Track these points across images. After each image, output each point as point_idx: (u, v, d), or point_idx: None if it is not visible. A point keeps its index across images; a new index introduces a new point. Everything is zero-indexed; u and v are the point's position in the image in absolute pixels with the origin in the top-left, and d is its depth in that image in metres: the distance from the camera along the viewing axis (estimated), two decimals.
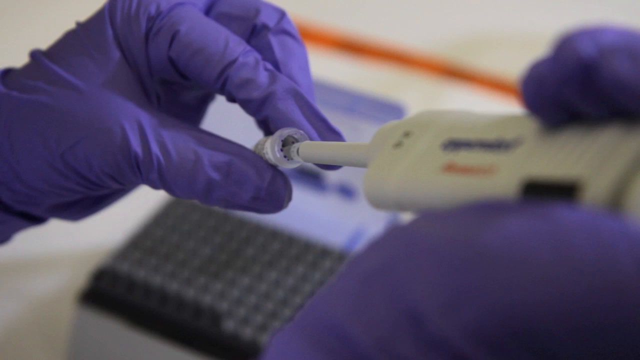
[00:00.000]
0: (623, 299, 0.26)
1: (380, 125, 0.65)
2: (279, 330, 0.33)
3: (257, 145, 0.45)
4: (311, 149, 0.42)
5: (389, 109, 0.66)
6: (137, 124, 0.43)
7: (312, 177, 0.70)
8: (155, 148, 0.43)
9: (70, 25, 0.47)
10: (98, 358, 0.69)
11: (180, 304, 0.66)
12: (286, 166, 0.43)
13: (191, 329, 0.65)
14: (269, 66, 0.45)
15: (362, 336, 0.30)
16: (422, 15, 1.03)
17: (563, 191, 0.30)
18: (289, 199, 0.44)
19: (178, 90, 0.48)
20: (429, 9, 1.04)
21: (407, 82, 0.95)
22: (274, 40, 0.45)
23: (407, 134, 0.37)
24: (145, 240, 0.70)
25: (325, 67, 0.92)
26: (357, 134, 0.66)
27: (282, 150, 0.43)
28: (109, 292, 0.67)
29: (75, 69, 0.44)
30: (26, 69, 0.46)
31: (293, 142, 0.43)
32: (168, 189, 0.44)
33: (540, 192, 0.31)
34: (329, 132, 0.44)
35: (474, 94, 0.94)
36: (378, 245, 0.32)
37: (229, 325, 0.65)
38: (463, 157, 0.34)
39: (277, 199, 0.44)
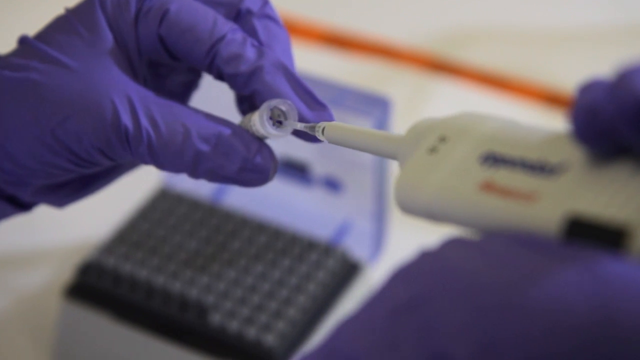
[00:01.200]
0: None
1: (367, 118, 0.66)
2: (302, 355, 0.32)
3: (243, 120, 0.46)
4: (338, 132, 0.43)
5: (375, 102, 0.66)
6: (126, 98, 0.44)
7: (298, 171, 0.70)
8: (144, 121, 0.44)
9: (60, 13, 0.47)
10: (84, 351, 0.68)
11: (166, 297, 0.66)
12: (274, 135, 0.44)
13: (177, 322, 0.65)
14: (256, 43, 0.46)
15: None
16: (409, 9, 1.03)
17: (609, 235, 0.29)
18: (275, 171, 0.45)
19: (165, 74, 0.49)
20: (415, 2, 1.04)
21: (393, 75, 0.95)
22: (258, 24, 0.46)
23: (443, 139, 0.36)
24: (132, 234, 0.70)
25: (311, 61, 0.92)
26: None
27: (270, 119, 0.44)
28: (95, 285, 0.67)
29: (65, 49, 0.45)
30: (16, 51, 0.46)
31: (279, 114, 0.44)
32: (157, 162, 0.45)
33: (585, 232, 0.29)
34: (317, 105, 0.45)
35: (460, 88, 0.94)
36: (408, 274, 0.31)
37: (215, 318, 0.65)
38: (503, 177, 0.33)
39: (263, 171, 0.45)
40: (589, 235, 0.29)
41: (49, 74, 0.45)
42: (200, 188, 0.73)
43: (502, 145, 0.34)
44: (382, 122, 0.66)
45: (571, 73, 0.96)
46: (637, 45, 1.00)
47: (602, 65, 0.98)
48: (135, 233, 0.70)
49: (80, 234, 0.78)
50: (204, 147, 0.44)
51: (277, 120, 0.45)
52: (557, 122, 0.91)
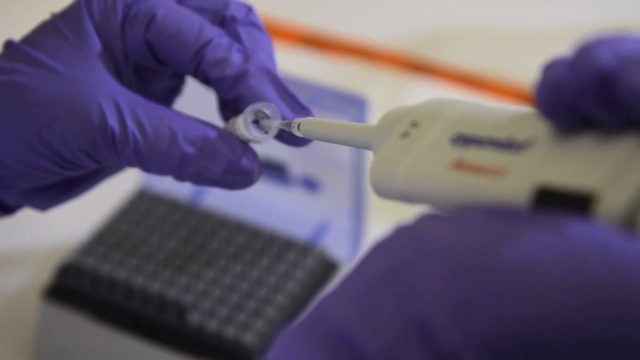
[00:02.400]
0: (629, 316, 0.27)
1: (344, 118, 0.66)
2: (286, 329, 0.33)
3: (227, 124, 0.46)
4: (313, 126, 0.44)
5: (352, 102, 0.66)
6: (113, 101, 0.45)
7: (276, 170, 0.71)
8: (131, 124, 0.45)
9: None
10: (64, 353, 0.69)
11: (145, 297, 0.66)
12: (258, 139, 0.45)
13: (156, 322, 0.65)
14: (242, 48, 0.46)
15: (369, 343, 0.30)
16: (386, 10, 1.04)
17: (576, 202, 0.30)
18: (260, 173, 0.46)
19: (149, 79, 0.49)
20: (392, 3, 1.05)
21: (371, 76, 0.96)
22: (242, 31, 0.47)
23: (414, 124, 0.37)
24: (110, 235, 0.70)
25: (289, 62, 0.93)
26: None
27: (254, 122, 0.45)
28: (74, 287, 0.67)
29: (51, 52, 0.45)
30: (1, 55, 0.46)
31: (263, 118, 0.45)
32: (143, 165, 0.45)
33: (553, 200, 0.31)
34: (300, 109, 0.46)
35: (438, 88, 0.95)
36: (386, 245, 0.32)
37: (193, 318, 0.65)
38: (473, 155, 0.34)
39: (248, 173, 0.45)
40: (557, 203, 0.30)
41: (35, 77, 0.45)
42: (178, 189, 0.73)
43: (471, 126, 0.35)
44: (359, 122, 0.66)
45: None
46: None
47: None
48: (114, 234, 0.70)
49: (59, 235, 0.78)
50: (190, 150, 0.45)
51: (260, 124, 0.45)
52: None
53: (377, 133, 0.39)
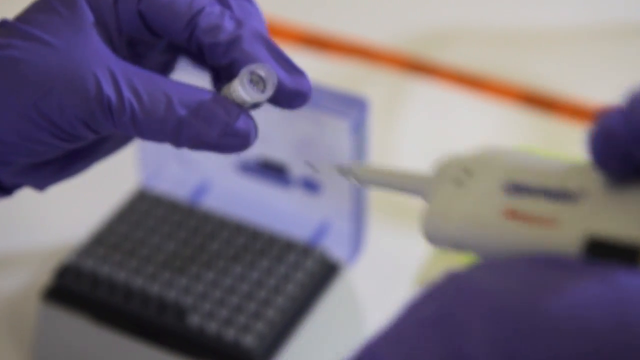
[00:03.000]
0: None
1: (344, 119, 0.66)
2: None
3: (222, 89, 0.47)
4: (369, 174, 0.44)
5: (352, 103, 0.66)
6: (108, 70, 0.45)
7: (276, 171, 0.70)
8: (127, 92, 0.45)
9: None
10: (63, 354, 0.68)
11: (144, 299, 0.66)
12: (255, 99, 0.45)
13: (156, 324, 0.65)
14: (234, 15, 0.47)
15: None
16: (386, 10, 1.04)
17: (626, 253, 0.30)
18: (256, 135, 0.47)
19: (143, 53, 0.50)
20: (392, 3, 1.04)
21: (371, 76, 0.95)
22: (233, 3, 0.48)
23: (467, 172, 0.38)
24: (110, 236, 0.70)
25: None
26: (320, 127, 0.66)
27: (251, 82, 0.45)
28: (73, 288, 0.67)
29: (45, 27, 0.46)
30: None
31: (259, 80, 0.45)
32: (140, 132, 0.46)
33: (603, 251, 0.31)
34: (295, 71, 0.46)
35: (438, 88, 0.94)
36: (436, 291, 0.32)
37: (193, 319, 0.65)
38: (525, 204, 0.35)
39: (244, 135, 0.46)
40: (607, 254, 0.31)
41: (30, 51, 0.46)
42: (178, 190, 0.73)
43: (524, 175, 0.36)
44: (359, 123, 0.66)
45: (548, 73, 0.97)
46: (613, 45, 1.01)
47: (578, 65, 0.99)
48: (113, 235, 0.70)
49: (58, 236, 0.77)
50: (186, 114, 0.45)
51: (256, 86, 0.46)
52: (533, 122, 0.91)
53: (430, 181, 0.40)
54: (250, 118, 0.46)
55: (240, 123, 0.46)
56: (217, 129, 0.46)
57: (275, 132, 0.68)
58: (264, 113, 0.66)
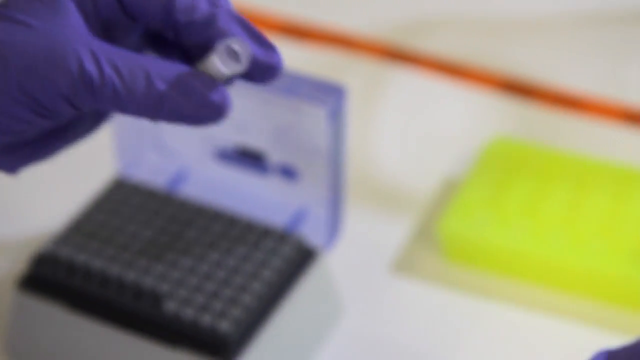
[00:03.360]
0: None
1: (321, 106, 0.65)
2: None
3: (198, 64, 0.49)
4: None
5: (329, 91, 0.66)
6: (89, 49, 0.47)
7: (253, 158, 0.70)
8: (107, 68, 0.47)
9: None
10: (38, 343, 0.68)
11: (120, 286, 0.65)
12: (232, 69, 0.48)
13: (132, 310, 0.65)
14: None
15: None
16: None
17: None
18: (231, 108, 0.49)
19: (120, 37, 0.51)
20: None
21: (350, 65, 0.95)
22: None
23: None
24: (86, 225, 0.69)
25: None
26: (298, 114, 0.66)
27: (227, 55, 0.48)
28: (49, 276, 0.67)
29: (26, 12, 0.48)
30: None
31: (234, 54, 0.48)
32: (120, 107, 0.48)
33: None
34: (268, 47, 0.49)
35: (417, 76, 0.94)
36: None
37: (170, 306, 0.64)
38: None
39: (221, 107, 0.48)
40: None
41: (10, 33, 0.47)
42: (156, 178, 0.73)
43: None
44: (336, 110, 0.66)
45: (527, 61, 0.97)
46: (592, 33, 1.01)
47: (558, 52, 0.99)
48: (90, 223, 0.69)
49: (35, 225, 0.77)
50: (165, 88, 0.47)
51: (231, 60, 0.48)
52: (513, 109, 0.92)
53: None
54: (226, 90, 0.48)
55: (217, 95, 0.48)
56: (195, 102, 0.48)
57: (252, 119, 0.68)
58: (241, 100, 0.66)
